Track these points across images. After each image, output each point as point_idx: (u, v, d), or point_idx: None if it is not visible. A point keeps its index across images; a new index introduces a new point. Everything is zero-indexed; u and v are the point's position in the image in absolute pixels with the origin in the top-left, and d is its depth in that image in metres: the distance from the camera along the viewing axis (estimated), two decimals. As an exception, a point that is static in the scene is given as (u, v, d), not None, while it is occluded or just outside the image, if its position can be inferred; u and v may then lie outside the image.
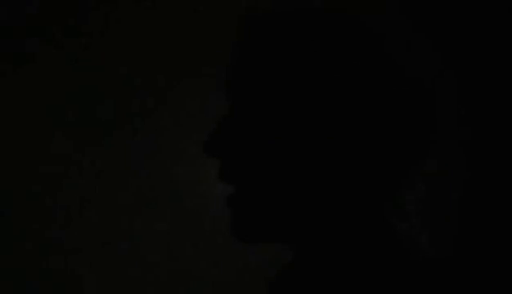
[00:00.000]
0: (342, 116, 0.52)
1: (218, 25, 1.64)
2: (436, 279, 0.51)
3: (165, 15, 1.65)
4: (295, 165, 0.53)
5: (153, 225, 1.62)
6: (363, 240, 0.54)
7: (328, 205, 0.53)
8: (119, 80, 1.63)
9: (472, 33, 1.77)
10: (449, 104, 1.68)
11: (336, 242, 0.54)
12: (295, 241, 0.56)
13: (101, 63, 1.62)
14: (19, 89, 1.59)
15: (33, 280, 1.56)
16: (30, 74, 1.59)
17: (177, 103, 1.64)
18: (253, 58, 0.55)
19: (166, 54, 1.65)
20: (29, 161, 1.59)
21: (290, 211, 0.54)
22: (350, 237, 0.54)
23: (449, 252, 1.70)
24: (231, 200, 0.56)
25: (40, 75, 1.60)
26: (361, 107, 0.52)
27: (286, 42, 0.54)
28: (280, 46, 0.54)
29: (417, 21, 1.74)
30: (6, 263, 1.56)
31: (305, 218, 0.54)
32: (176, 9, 1.65)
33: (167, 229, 1.62)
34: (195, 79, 1.65)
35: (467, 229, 1.75)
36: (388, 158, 0.53)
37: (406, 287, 0.50)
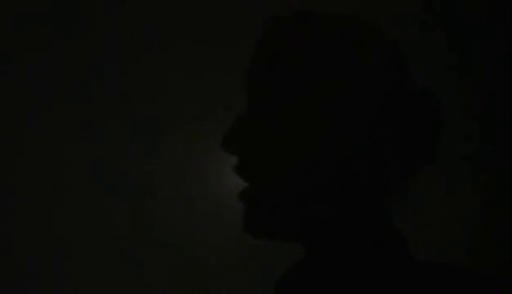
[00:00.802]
0: (349, 116, 0.53)
1: (234, 27, 1.65)
2: (436, 279, 0.51)
3: (179, 14, 1.66)
4: (306, 162, 0.53)
5: (159, 222, 1.62)
6: (369, 239, 0.54)
7: (334, 202, 0.54)
8: (126, 76, 1.63)
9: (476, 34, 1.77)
10: (452, 104, 1.69)
11: (343, 241, 0.55)
12: (305, 237, 0.57)
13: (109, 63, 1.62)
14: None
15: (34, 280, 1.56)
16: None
17: (189, 101, 1.65)
18: (268, 58, 0.56)
19: (180, 53, 1.65)
20: (30, 161, 1.59)
21: (301, 207, 0.54)
22: (356, 235, 0.55)
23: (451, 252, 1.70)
24: (244, 195, 0.56)
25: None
26: (367, 107, 0.53)
27: (297, 44, 0.54)
28: (291, 48, 0.54)
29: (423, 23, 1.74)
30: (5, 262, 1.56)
31: (314, 215, 0.54)
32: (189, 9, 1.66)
33: (174, 225, 1.62)
34: (209, 77, 1.65)
35: (466, 228, 1.75)
36: (393, 157, 0.54)
37: (406, 287, 0.51)
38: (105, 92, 1.61)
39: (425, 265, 0.53)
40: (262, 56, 0.56)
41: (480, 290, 0.51)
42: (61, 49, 1.60)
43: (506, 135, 1.76)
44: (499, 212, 1.75)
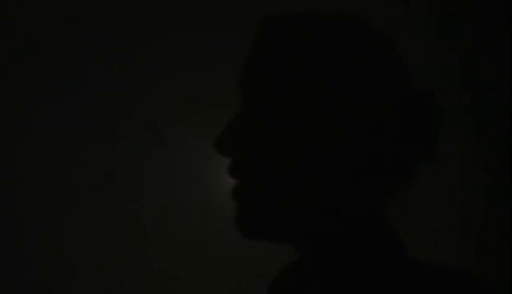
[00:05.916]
0: (348, 116, 0.53)
1: (231, 27, 1.65)
2: (435, 279, 0.51)
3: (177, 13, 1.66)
4: (301, 163, 0.53)
5: (156, 224, 1.62)
6: (363, 239, 0.54)
7: (331, 203, 0.54)
8: (126, 75, 1.63)
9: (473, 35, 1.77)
10: (450, 103, 1.69)
11: (337, 241, 0.55)
12: (298, 239, 0.57)
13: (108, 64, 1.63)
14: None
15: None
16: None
17: (184, 100, 1.65)
18: (263, 59, 0.55)
19: (175, 52, 1.65)
20: (36, 164, 1.59)
21: (295, 208, 0.54)
22: (351, 236, 0.54)
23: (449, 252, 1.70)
24: (237, 194, 0.56)
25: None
26: (367, 107, 0.53)
27: (295, 44, 0.54)
28: (289, 48, 0.54)
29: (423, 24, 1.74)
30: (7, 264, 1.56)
31: (308, 216, 0.54)
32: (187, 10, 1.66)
33: (170, 226, 1.62)
34: (205, 76, 1.65)
35: (465, 228, 1.75)
36: (391, 157, 0.54)
37: (406, 287, 0.51)
38: (103, 92, 1.61)
39: (421, 266, 0.53)
40: (260, 56, 0.56)
41: (477, 291, 0.51)
42: (60, 49, 1.60)
43: (507, 134, 1.76)
44: (499, 213, 1.75)
